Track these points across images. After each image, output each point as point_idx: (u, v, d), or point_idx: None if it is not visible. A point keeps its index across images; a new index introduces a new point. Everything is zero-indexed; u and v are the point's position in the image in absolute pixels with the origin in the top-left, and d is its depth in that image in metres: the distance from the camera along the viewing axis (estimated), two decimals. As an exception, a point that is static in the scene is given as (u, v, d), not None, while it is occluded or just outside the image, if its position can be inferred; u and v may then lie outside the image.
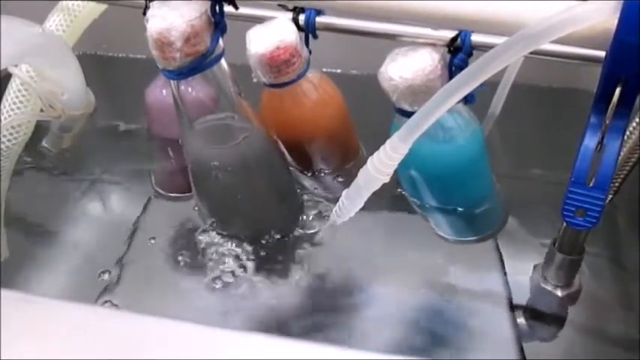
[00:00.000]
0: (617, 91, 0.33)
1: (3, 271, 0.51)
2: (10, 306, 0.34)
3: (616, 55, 0.32)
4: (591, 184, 0.35)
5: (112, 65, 0.78)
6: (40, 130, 0.62)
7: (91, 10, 0.60)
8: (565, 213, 0.35)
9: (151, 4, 0.41)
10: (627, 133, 0.48)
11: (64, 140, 0.64)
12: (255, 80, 0.48)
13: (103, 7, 0.61)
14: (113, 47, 0.78)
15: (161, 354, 0.33)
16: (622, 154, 0.49)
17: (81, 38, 0.62)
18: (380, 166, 0.38)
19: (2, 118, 0.58)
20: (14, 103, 0.58)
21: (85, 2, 0.59)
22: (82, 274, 0.52)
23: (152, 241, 0.54)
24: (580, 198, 0.35)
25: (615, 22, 0.31)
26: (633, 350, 0.47)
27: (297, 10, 0.46)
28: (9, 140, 0.58)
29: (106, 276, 0.51)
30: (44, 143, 0.63)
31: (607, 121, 0.34)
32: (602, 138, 0.34)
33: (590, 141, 0.34)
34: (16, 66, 0.56)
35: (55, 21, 0.59)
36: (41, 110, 0.59)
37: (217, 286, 0.51)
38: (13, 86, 0.58)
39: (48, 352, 0.33)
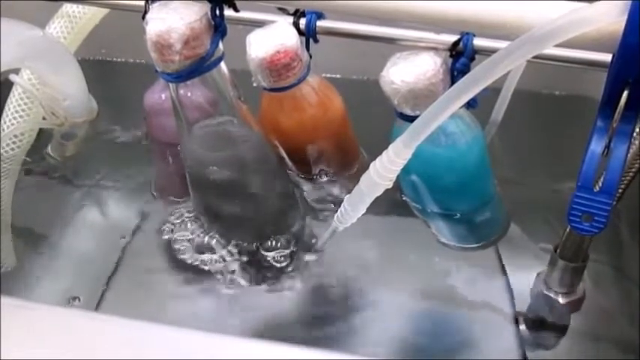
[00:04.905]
0: (625, 94, 0.33)
1: (2, 278, 0.51)
2: (10, 313, 0.34)
3: (623, 58, 0.32)
4: (598, 189, 0.34)
5: (110, 70, 0.78)
6: (41, 135, 0.62)
7: (92, 16, 0.60)
8: (571, 218, 0.35)
9: (150, 6, 0.41)
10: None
11: (68, 148, 0.64)
12: (255, 84, 0.48)
13: (103, 13, 0.61)
14: (111, 52, 0.78)
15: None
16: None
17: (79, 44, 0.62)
18: (383, 172, 0.38)
19: (5, 126, 0.58)
20: (16, 112, 0.58)
21: (87, 8, 0.59)
22: (81, 280, 0.52)
23: (150, 246, 0.54)
24: (587, 203, 0.34)
25: (623, 24, 0.31)
26: (636, 358, 0.46)
27: (297, 14, 0.46)
28: (12, 149, 0.59)
29: (104, 281, 0.51)
30: (49, 151, 0.63)
31: (614, 125, 0.34)
32: (609, 142, 0.34)
33: (596, 145, 0.34)
34: (17, 74, 0.56)
35: (56, 27, 0.59)
36: (43, 118, 0.59)
37: (215, 292, 0.50)
38: (15, 94, 0.58)
39: (47, 358, 0.33)
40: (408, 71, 0.42)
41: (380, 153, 0.38)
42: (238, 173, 0.49)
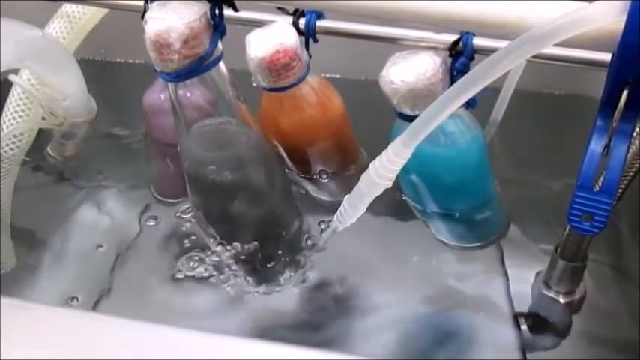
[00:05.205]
0: (624, 93, 0.33)
1: (2, 278, 0.51)
2: (10, 313, 0.34)
3: (623, 58, 0.32)
4: (598, 189, 0.34)
5: (110, 71, 0.77)
6: (41, 135, 0.62)
7: (92, 17, 0.60)
8: (571, 218, 0.35)
9: (150, 6, 0.41)
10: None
11: (68, 148, 0.64)
12: (254, 84, 0.48)
13: (103, 13, 0.61)
14: (111, 53, 0.78)
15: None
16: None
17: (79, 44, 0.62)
18: (382, 171, 0.38)
19: (4, 126, 0.58)
20: (16, 112, 0.58)
21: (86, 8, 0.59)
22: (81, 280, 0.52)
23: (149, 246, 0.54)
24: (587, 203, 0.34)
25: (622, 23, 0.31)
26: (636, 358, 0.46)
27: (297, 14, 0.46)
28: (11, 149, 0.59)
29: (103, 281, 0.51)
30: (49, 151, 0.63)
31: (614, 125, 0.34)
32: (609, 142, 0.34)
33: (596, 145, 0.34)
34: (16, 74, 0.56)
35: (55, 27, 0.59)
36: (43, 118, 0.59)
37: (215, 292, 0.50)
38: (14, 94, 0.58)
39: (47, 358, 0.33)
40: (408, 71, 0.42)
41: (380, 153, 0.38)
42: (237, 173, 0.49)
